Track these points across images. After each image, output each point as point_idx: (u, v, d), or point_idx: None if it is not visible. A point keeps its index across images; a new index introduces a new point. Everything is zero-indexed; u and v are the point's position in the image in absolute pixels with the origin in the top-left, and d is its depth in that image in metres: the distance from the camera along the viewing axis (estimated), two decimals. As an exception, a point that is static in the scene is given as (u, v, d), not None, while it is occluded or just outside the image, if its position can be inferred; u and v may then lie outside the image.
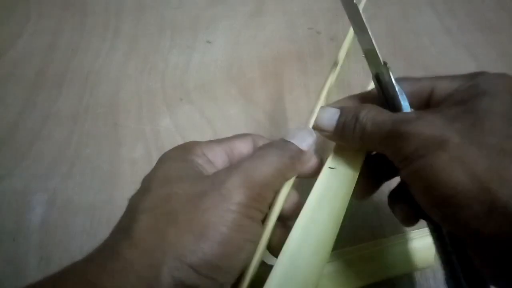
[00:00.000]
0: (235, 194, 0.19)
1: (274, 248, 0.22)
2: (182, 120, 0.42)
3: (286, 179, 0.22)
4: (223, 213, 0.18)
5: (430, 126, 0.19)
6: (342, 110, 0.23)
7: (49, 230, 0.34)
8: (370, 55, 0.25)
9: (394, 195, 0.25)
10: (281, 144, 0.22)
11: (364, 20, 0.24)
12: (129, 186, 0.37)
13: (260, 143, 0.24)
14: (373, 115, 0.22)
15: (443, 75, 0.23)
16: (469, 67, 0.47)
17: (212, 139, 0.40)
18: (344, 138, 0.23)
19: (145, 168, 0.38)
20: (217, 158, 0.23)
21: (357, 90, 0.45)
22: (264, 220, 0.22)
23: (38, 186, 0.37)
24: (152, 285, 0.17)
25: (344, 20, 0.53)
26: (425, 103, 0.23)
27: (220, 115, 0.43)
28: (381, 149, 0.21)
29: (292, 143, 0.22)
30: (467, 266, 0.21)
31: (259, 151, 0.22)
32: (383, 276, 0.28)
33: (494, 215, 0.16)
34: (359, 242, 0.30)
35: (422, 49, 0.49)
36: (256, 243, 0.20)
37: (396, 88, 0.23)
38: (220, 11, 0.54)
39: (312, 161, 0.24)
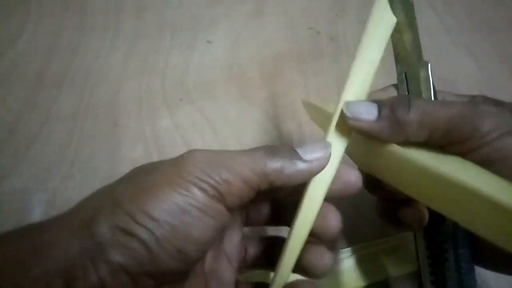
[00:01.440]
0: (190, 166, 0.18)
1: (310, 269, 0.21)
2: (182, 120, 0.42)
3: (271, 182, 0.19)
4: (170, 176, 0.18)
5: (499, 110, 0.19)
6: (382, 100, 0.21)
7: (49, 230, 0.34)
8: (406, 52, 0.23)
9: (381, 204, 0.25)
10: (284, 148, 0.20)
11: (415, 15, 0.23)
12: (129, 186, 0.37)
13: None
14: (426, 100, 0.21)
15: (449, 92, 0.24)
16: (469, 67, 0.47)
17: (212, 139, 0.41)
18: (395, 123, 0.20)
19: (145, 168, 0.38)
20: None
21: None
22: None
23: (38, 186, 0.37)
24: (87, 228, 0.17)
25: (344, 20, 0.53)
26: None
27: (220, 115, 0.43)
28: (447, 130, 0.19)
29: (296, 152, 0.20)
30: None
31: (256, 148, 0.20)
32: (385, 276, 0.28)
33: None
34: (362, 241, 0.30)
35: (422, 48, 0.49)
36: (207, 214, 0.18)
37: (432, 91, 0.22)
38: (220, 11, 0.54)
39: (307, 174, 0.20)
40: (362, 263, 0.28)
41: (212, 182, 0.18)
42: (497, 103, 0.22)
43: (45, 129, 0.41)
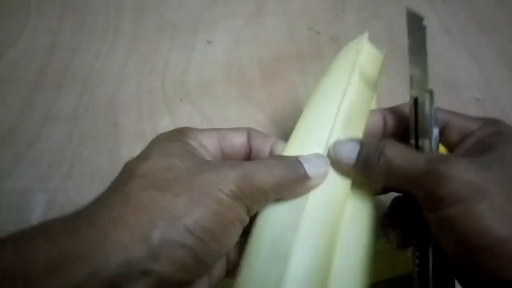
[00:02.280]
0: (230, 183, 0.19)
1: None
2: (182, 120, 0.42)
3: (283, 196, 0.21)
4: (217, 191, 0.19)
5: (469, 171, 0.19)
6: (363, 143, 0.22)
7: (49, 230, 0.34)
8: (417, 78, 0.24)
9: (388, 219, 0.25)
10: (292, 162, 0.21)
11: (427, 43, 0.24)
12: (129, 186, 0.37)
13: (256, 137, 0.24)
14: (400, 150, 0.21)
15: (455, 112, 0.24)
16: (469, 67, 0.47)
17: (212, 139, 0.41)
18: (365, 172, 0.22)
19: (145, 168, 0.38)
20: (210, 143, 0.23)
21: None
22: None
23: (38, 186, 0.37)
24: (143, 240, 0.17)
25: (344, 20, 0.53)
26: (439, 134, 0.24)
27: (220, 115, 0.43)
28: (408, 186, 0.21)
29: (303, 166, 0.21)
30: None
31: (269, 159, 0.22)
32: (386, 275, 0.28)
33: None
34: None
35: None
36: (242, 226, 0.20)
37: (433, 117, 0.23)
38: (220, 11, 0.54)
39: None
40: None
41: (247, 203, 0.20)
42: (504, 132, 0.22)
43: (45, 129, 0.41)
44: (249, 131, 0.24)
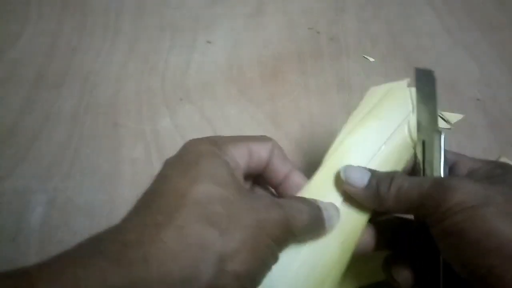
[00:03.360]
0: (277, 229, 0.20)
1: None
2: (182, 120, 0.42)
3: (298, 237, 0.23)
4: (266, 237, 0.19)
5: (474, 184, 0.20)
6: (373, 171, 0.24)
7: (49, 230, 0.34)
8: (426, 122, 0.26)
9: (392, 259, 0.25)
10: (317, 212, 0.23)
11: (436, 89, 0.26)
12: (129, 186, 0.37)
13: (277, 157, 0.24)
14: (408, 177, 0.23)
15: (464, 155, 0.25)
16: (469, 67, 0.47)
17: (212, 139, 0.41)
18: (376, 196, 0.23)
19: (145, 168, 0.38)
20: (241, 157, 0.23)
21: (357, 91, 0.45)
22: None
23: (38, 186, 0.37)
24: (194, 280, 0.17)
25: (344, 20, 0.53)
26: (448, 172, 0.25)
27: (220, 115, 0.43)
28: (416, 205, 0.22)
29: (323, 216, 0.23)
30: None
31: (299, 203, 0.22)
32: (373, 280, 0.28)
33: None
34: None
35: (422, 49, 0.49)
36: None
37: (443, 156, 0.24)
38: (220, 11, 0.54)
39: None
40: (359, 263, 0.28)
41: (285, 239, 0.21)
42: (508, 169, 0.23)
43: (45, 129, 0.41)
44: (273, 146, 0.24)
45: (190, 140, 0.22)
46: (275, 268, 0.21)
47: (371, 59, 0.48)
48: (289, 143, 0.40)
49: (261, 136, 0.25)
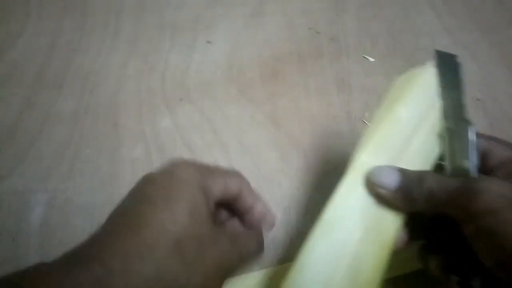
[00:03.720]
0: (227, 263, 0.22)
1: None
2: (182, 120, 0.42)
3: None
4: (218, 270, 0.21)
5: (502, 186, 0.21)
6: (404, 171, 0.24)
7: (49, 231, 0.34)
8: (451, 109, 0.25)
9: (427, 248, 0.26)
10: (260, 239, 0.26)
11: (462, 75, 0.25)
12: (129, 186, 0.37)
13: (245, 189, 0.26)
14: (439, 177, 0.23)
15: (495, 138, 0.25)
16: (469, 67, 0.47)
17: (212, 139, 0.41)
18: (407, 196, 0.23)
19: (145, 168, 0.38)
20: (217, 191, 0.24)
21: (357, 91, 0.45)
22: None
23: (38, 186, 0.37)
24: None
25: (344, 20, 0.53)
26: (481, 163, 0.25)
27: (220, 115, 0.43)
28: (447, 208, 0.22)
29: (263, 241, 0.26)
30: None
31: (252, 236, 0.25)
32: (398, 273, 0.28)
33: None
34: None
35: (422, 49, 0.49)
36: None
37: (474, 146, 0.24)
38: (220, 11, 0.54)
39: None
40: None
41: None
42: None
43: (45, 129, 0.41)
44: (243, 182, 0.26)
45: (177, 161, 0.24)
46: (318, 278, 0.21)
47: (371, 59, 0.48)
48: (288, 142, 0.40)
49: (234, 171, 0.27)
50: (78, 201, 0.36)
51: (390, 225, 0.24)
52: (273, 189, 0.37)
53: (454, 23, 0.52)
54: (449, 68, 0.25)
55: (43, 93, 0.45)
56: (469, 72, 0.47)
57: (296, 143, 0.40)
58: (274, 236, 0.33)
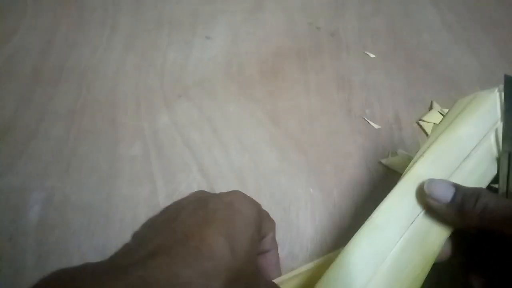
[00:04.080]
0: None
1: None
2: (181, 117, 0.42)
3: None
4: None
5: None
6: (459, 186, 0.24)
7: (46, 229, 0.34)
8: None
9: (468, 267, 0.26)
10: None
11: None
12: (127, 184, 0.37)
13: (269, 239, 0.26)
14: (495, 195, 0.23)
15: None
16: (471, 64, 0.47)
17: (211, 136, 0.40)
18: (461, 212, 0.23)
19: (143, 166, 0.38)
20: (264, 236, 0.24)
21: (358, 87, 0.44)
22: None
23: (35, 184, 0.37)
24: None
25: (344, 15, 0.52)
26: None
27: (219, 112, 0.42)
28: (503, 223, 0.22)
29: None
30: None
31: None
32: None
33: None
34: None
35: (423, 45, 0.49)
36: None
37: None
38: (219, 6, 0.53)
39: None
40: None
41: None
42: None
43: (42, 126, 0.41)
44: (273, 227, 0.26)
45: (239, 195, 0.23)
46: (357, 277, 0.22)
47: (372, 55, 0.48)
48: (288, 140, 0.40)
49: (267, 213, 0.26)
50: (76, 199, 0.36)
51: (435, 238, 0.24)
52: (273, 188, 0.36)
53: (455, 19, 0.52)
54: None
55: (40, 89, 0.44)
56: (470, 68, 0.46)
57: (295, 140, 0.40)
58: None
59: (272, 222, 0.26)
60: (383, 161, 0.38)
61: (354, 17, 0.52)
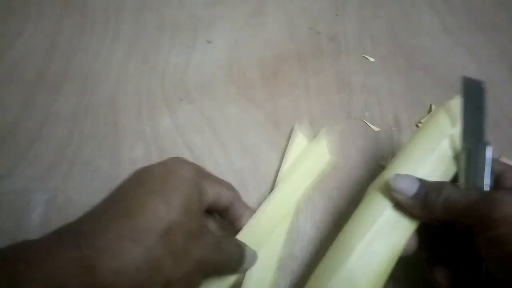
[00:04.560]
0: (207, 267, 0.23)
1: None
2: (182, 120, 0.42)
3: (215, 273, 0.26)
4: (199, 271, 0.22)
5: None
6: (422, 180, 0.25)
7: (49, 230, 0.34)
8: (472, 132, 0.26)
9: (433, 261, 0.26)
10: (242, 255, 0.27)
11: (485, 101, 0.26)
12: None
13: (238, 202, 0.28)
14: (457, 188, 0.24)
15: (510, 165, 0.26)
16: (469, 67, 0.47)
17: (212, 139, 0.41)
18: (424, 204, 0.24)
19: (145, 168, 0.38)
20: (210, 197, 0.25)
21: (357, 90, 0.45)
22: None
23: (38, 186, 0.37)
24: None
25: (344, 19, 0.53)
26: (494, 184, 0.25)
27: (220, 115, 0.43)
28: (462, 216, 0.23)
29: (245, 259, 0.27)
30: None
31: (235, 248, 0.26)
32: None
33: None
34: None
35: (422, 48, 0.49)
36: None
37: (490, 167, 0.25)
38: (220, 11, 0.54)
39: None
40: None
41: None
42: None
43: (45, 129, 0.41)
44: (235, 196, 0.28)
45: (177, 159, 0.25)
46: (332, 264, 0.24)
47: (371, 59, 0.48)
48: (288, 141, 0.40)
49: (228, 183, 0.28)
50: (78, 200, 0.36)
51: (402, 231, 0.25)
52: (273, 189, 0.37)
53: (454, 23, 0.52)
54: (474, 94, 0.27)
55: (43, 93, 0.44)
56: (469, 72, 0.47)
57: (296, 143, 0.40)
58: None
59: (233, 191, 0.28)
60: (383, 163, 0.38)
61: (354, 21, 0.53)
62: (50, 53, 0.49)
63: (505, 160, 0.39)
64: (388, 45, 0.50)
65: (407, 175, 0.25)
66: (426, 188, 0.24)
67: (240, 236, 0.28)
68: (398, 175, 0.25)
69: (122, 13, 0.54)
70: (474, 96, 0.27)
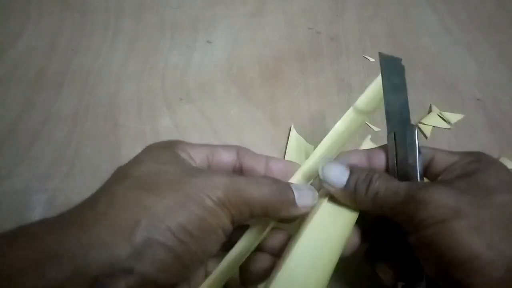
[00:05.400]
0: (218, 190, 0.20)
1: (248, 277, 0.24)
2: (182, 120, 0.42)
3: (267, 215, 0.22)
4: (204, 196, 0.19)
5: (445, 195, 0.20)
6: (353, 170, 0.23)
7: (49, 230, 0.34)
8: (395, 114, 0.25)
9: (372, 254, 0.26)
10: (283, 187, 0.22)
11: (405, 79, 0.25)
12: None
13: (246, 156, 0.25)
14: (385, 180, 0.22)
15: (439, 149, 0.25)
16: (469, 67, 0.47)
17: (212, 138, 0.41)
18: (354, 198, 0.23)
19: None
20: (198, 156, 0.23)
21: (357, 90, 0.45)
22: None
23: (38, 186, 0.37)
24: (126, 240, 0.17)
25: (344, 20, 0.53)
26: (424, 169, 0.24)
27: (220, 115, 0.43)
28: (392, 213, 0.22)
29: (292, 193, 0.22)
30: None
31: (261, 177, 0.22)
32: None
33: (510, 280, 0.18)
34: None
35: (422, 49, 0.49)
36: (225, 235, 0.21)
37: (417, 149, 0.24)
38: (220, 11, 0.54)
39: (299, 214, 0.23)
40: None
41: (232, 212, 0.20)
42: (482, 159, 0.23)
43: (45, 129, 0.41)
44: (238, 150, 0.25)
45: (151, 144, 0.24)
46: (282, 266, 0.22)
47: (371, 59, 0.48)
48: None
49: (226, 145, 0.25)
50: (78, 200, 0.36)
51: (342, 223, 0.23)
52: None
53: (454, 23, 0.52)
54: (394, 72, 0.25)
55: (43, 93, 0.45)
56: (469, 72, 0.47)
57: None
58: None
59: (229, 148, 0.25)
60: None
61: (354, 22, 0.53)
62: (50, 53, 0.49)
63: (505, 160, 0.39)
64: (388, 45, 0.50)
65: (337, 164, 0.23)
66: (356, 180, 0.23)
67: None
68: (328, 165, 0.23)
69: (122, 13, 0.54)
70: (394, 75, 0.25)
